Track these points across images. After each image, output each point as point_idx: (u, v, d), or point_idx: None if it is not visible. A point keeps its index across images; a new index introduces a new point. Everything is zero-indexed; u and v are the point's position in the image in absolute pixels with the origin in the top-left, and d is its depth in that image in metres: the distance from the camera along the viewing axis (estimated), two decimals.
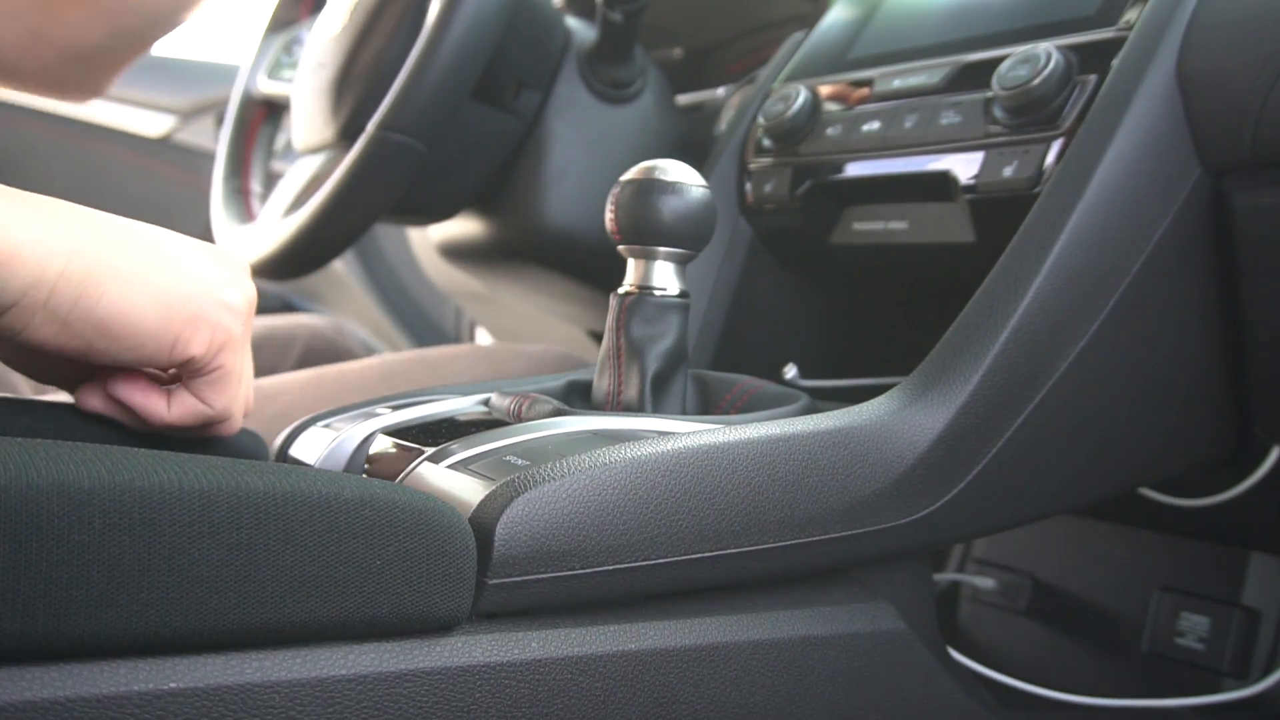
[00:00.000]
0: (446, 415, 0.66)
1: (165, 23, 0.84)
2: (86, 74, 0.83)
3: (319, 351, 1.20)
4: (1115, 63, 0.66)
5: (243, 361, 0.55)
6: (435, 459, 0.55)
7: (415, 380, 0.92)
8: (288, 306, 2.25)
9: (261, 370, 1.12)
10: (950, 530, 0.62)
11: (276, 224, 0.97)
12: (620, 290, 0.65)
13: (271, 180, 1.17)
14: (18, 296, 0.46)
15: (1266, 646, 0.83)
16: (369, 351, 1.22)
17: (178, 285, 0.51)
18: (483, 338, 1.97)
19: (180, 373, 0.54)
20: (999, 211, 0.70)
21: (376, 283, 2.00)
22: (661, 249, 0.63)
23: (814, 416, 0.58)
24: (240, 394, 0.56)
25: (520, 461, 0.53)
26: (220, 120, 1.98)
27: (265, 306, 2.22)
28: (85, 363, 0.52)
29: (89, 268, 0.48)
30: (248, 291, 0.55)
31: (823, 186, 0.82)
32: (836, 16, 0.93)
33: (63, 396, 0.94)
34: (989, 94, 0.71)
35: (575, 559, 0.49)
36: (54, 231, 0.47)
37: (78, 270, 0.48)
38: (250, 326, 0.55)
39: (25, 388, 1.00)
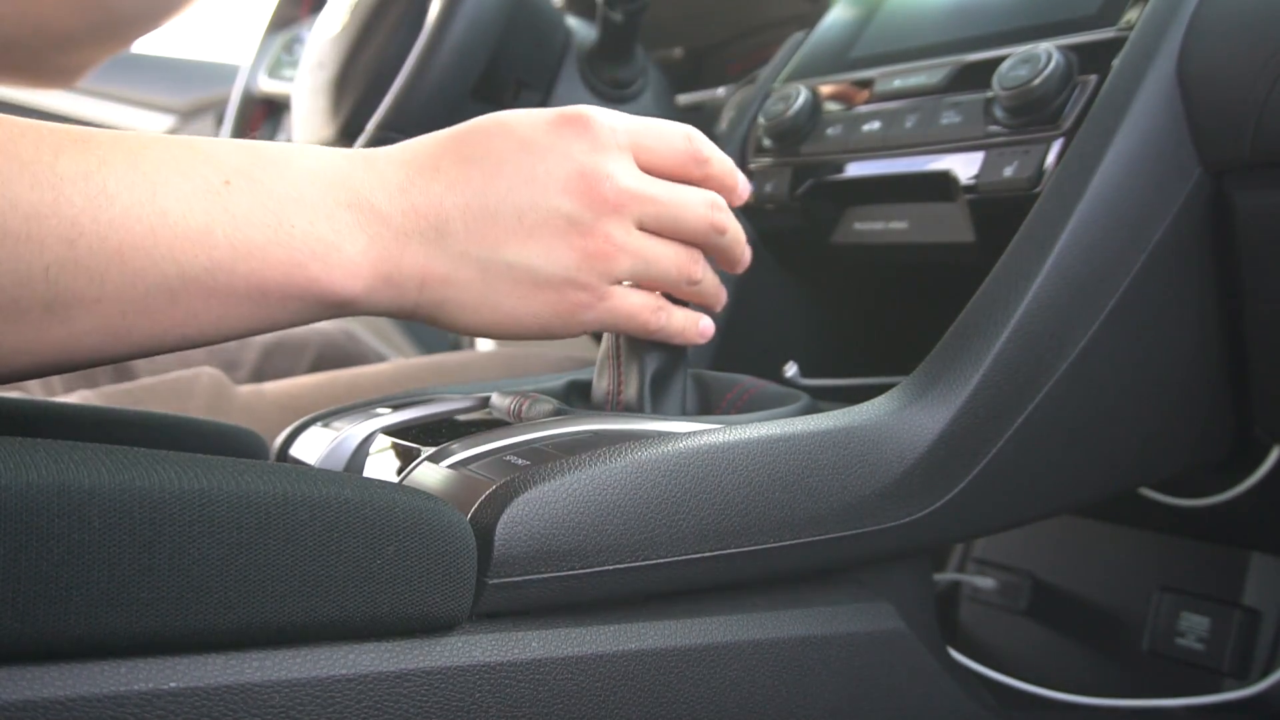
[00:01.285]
0: (446, 415, 0.66)
1: (154, 15, 0.84)
2: (67, 60, 0.83)
3: (331, 359, 1.21)
4: (1115, 63, 0.66)
5: (627, 306, 0.56)
6: (435, 459, 0.55)
7: (427, 386, 0.92)
8: None
9: (274, 376, 1.12)
10: (950, 530, 0.62)
11: None
12: None
13: None
14: (380, 315, 0.51)
15: (1266, 647, 0.83)
16: (381, 359, 1.22)
17: (524, 305, 0.53)
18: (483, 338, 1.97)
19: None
20: (999, 211, 0.70)
21: None
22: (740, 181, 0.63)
23: (814, 416, 0.58)
24: (649, 318, 0.57)
25: (520, 461, 0.53)
26: (220, 120, 1.98)
27: None
28: None
29: (440, 296, 0.52)
30: (601, 263, 0.53)
31: (823, 186, 0.82)
32: (837, 16, 0.93)
33: (68, 396, 0.94)
34: (989, 94, 0.71)
35: (575, 559, 0.49)
36: (406, 262, 0.50)
37: (429, 301, 0.52)
38: (640, 257, 0.55)
39: (35, 388, 1.00)
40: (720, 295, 0.62)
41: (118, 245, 0.43)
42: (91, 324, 0.43)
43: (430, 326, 0.56)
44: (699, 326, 0.60)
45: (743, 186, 0.61)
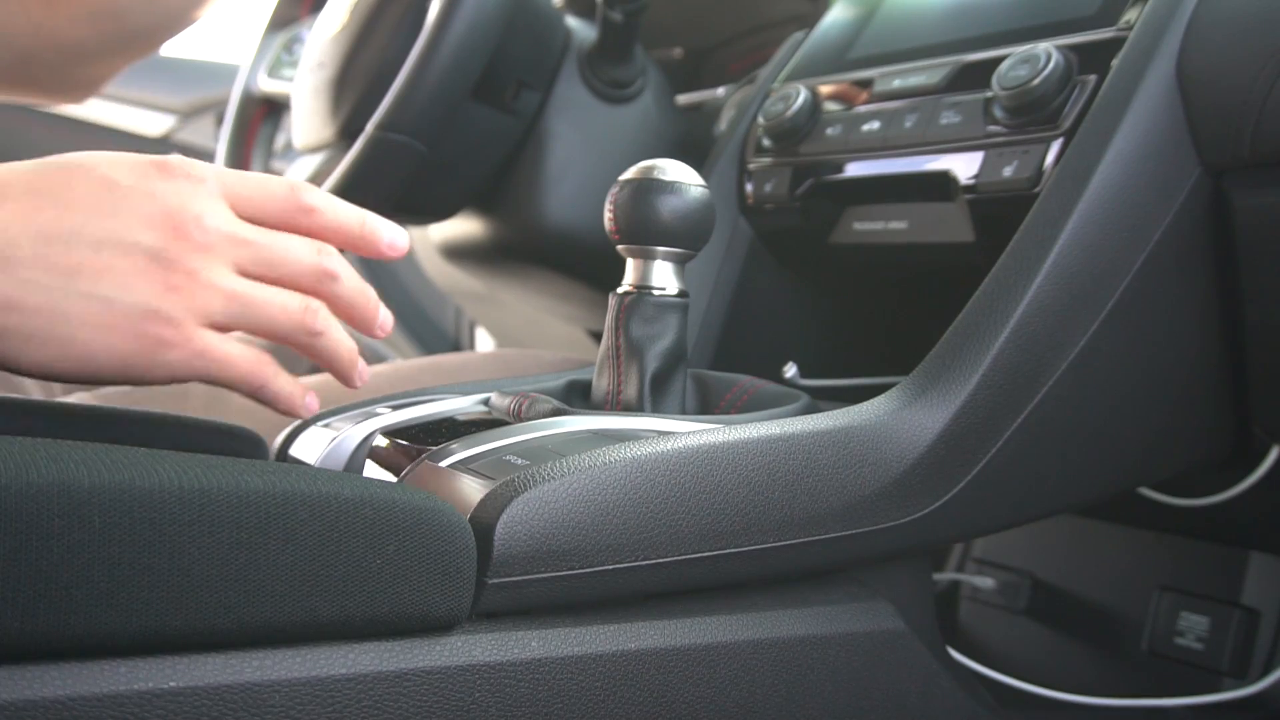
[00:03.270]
0: (446, 415, 0.66)
1: (170, 25, 0.84)
2: (84, 73, 0.83)
3: None
4: (1115, 63, 0.66)
5: (225, 356, 0.50)
6: (435, 459, 0.55)
7: (426, 387, 0.91)
8: None
9: None
10: (950, 530, 0.62)
11: None
12: (619, 290, 0.65)
13: None
14: None
15: (1266, 646, 0.83)
16: (379, 359, 1.22)
17: (100, 339, 0.48)
18: (483, 338, 1.97)
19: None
20: (999, 211, 0.70)
21: (376, 283, 1.98)
22: (660, 249, 0.63)
23: (813, 416, 0.58)
24: (250, 371, 0.51)
25: (520, 461, 0.53)
26: (220, 120, 1.98)
27: None
28: None
29: (3, 323, 0.46)
30: (184, 303, 0.49)
31: (823, 186, 0.82)
32: (836, 16, 0.93)
33: (67, 397, 0.94)
34: (989, 94, 0.71)
35: (575, 558, 0.49)
36: None
37: None
38: (226, 293, 0.50)
39: (33, 388, 1.00)
40: (350, 358, 0.56)
41: None
42: None
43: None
44: (304, 399, 0.55)
45: (368, 228, 0.57)
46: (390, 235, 0.57)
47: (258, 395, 0.53)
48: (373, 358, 1.25)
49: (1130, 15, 0.68)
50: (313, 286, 0.54)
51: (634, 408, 0.63)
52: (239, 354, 0.51)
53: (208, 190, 0.51)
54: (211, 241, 0.50)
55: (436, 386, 0.73)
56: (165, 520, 0.38)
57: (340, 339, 0.55)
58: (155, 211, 0.49)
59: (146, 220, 0.49)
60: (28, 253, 0.47)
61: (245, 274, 0.51)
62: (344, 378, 0.56)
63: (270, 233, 0.52)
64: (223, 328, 0.51)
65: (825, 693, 0.57)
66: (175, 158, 0.51)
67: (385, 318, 0.57)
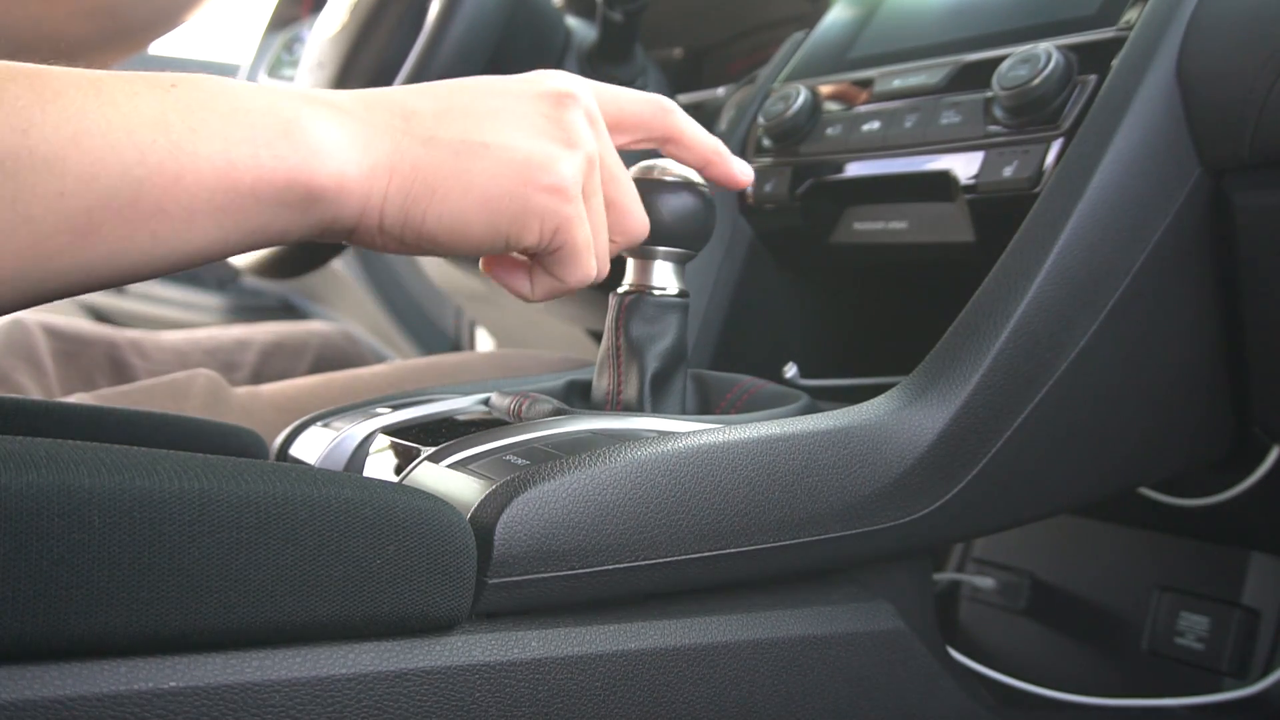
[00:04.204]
0: (446, 415, 0.66)
1: (165, 21, 0.84)
2: (80, 67, 0.83)
3: (330, 360, 1.21)
4: (1115, 63, 0.66)
5: (584, 235, 0.54)
6: (435, 459, 0.55)
7: (426, 387, 0.92)
8: (288, 307, 2.25)
9: (273, 378, 1.12)
10: (950, 530, 0.62)
11: None
12: (620, 290, 0.65)
13: None
14: (355, 220, 0.49)
15: (1266, 646, 0.83)
16: (380, 359, 1.22)
17: (496, 184, 0.51)
18: (483, 338, 1.97)
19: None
20: (999, 211, 0.70)
21: (376, 283, 2.00)
22: (661, 249, 0.63)
23: (814, 416, 0.58)
24: (590, 263, 0.55)
25: (520, 461, 0.53)
26: None
27: (265, 307, 2.22)
28: None
29: (409, 185, 0.49)
30: (576, 159, 0.52)
31: (823, 186, 0.82)
32: (836, 16, 0.93)
33: (67, 398, 0.94)
34: (989, 94, 0.71)
35: (575, 558, 0.49)
36: (373, 148, 0.49)
37: (398, 191, 0.49)
38: (594, 183, 0.54)
39: (33, 388, 1.00)
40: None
41: (73, 133, 0.41)
42: (56, 222, 0.42)
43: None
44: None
45: (721, 148, 0.62)
46: (740, 167, 0.63)
47: (581, 281, 0.55)
48: (373, 358, 1.25)
49: (1130, 15, 0.68)
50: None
51: (634, 408, 0.63)
52: (585, 254, 0.54)
53: (583, 92, 0.55)
54: (595, 122, 0.55)
55: (436, 386, 0.73)
56: (165, 520, 0.38)
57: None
58: (545, 90, 0.54)
59: (538, 93, 0.54)
60: (428, 116, 0.51)
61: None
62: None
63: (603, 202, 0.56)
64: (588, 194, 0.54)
65: (825, 693, 0.57)
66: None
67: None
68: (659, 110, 0.59)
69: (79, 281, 0.44)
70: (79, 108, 0.42)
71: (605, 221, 0.56)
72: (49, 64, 0.44)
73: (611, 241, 0.58)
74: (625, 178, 0.57)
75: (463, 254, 0.53)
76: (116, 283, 0.46)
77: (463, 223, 0.51)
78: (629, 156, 0.68)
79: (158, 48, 0.88)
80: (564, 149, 0.52)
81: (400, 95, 0.52)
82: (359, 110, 0.50)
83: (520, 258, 0.56)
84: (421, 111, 0.51)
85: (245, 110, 0.46)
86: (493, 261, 0.57)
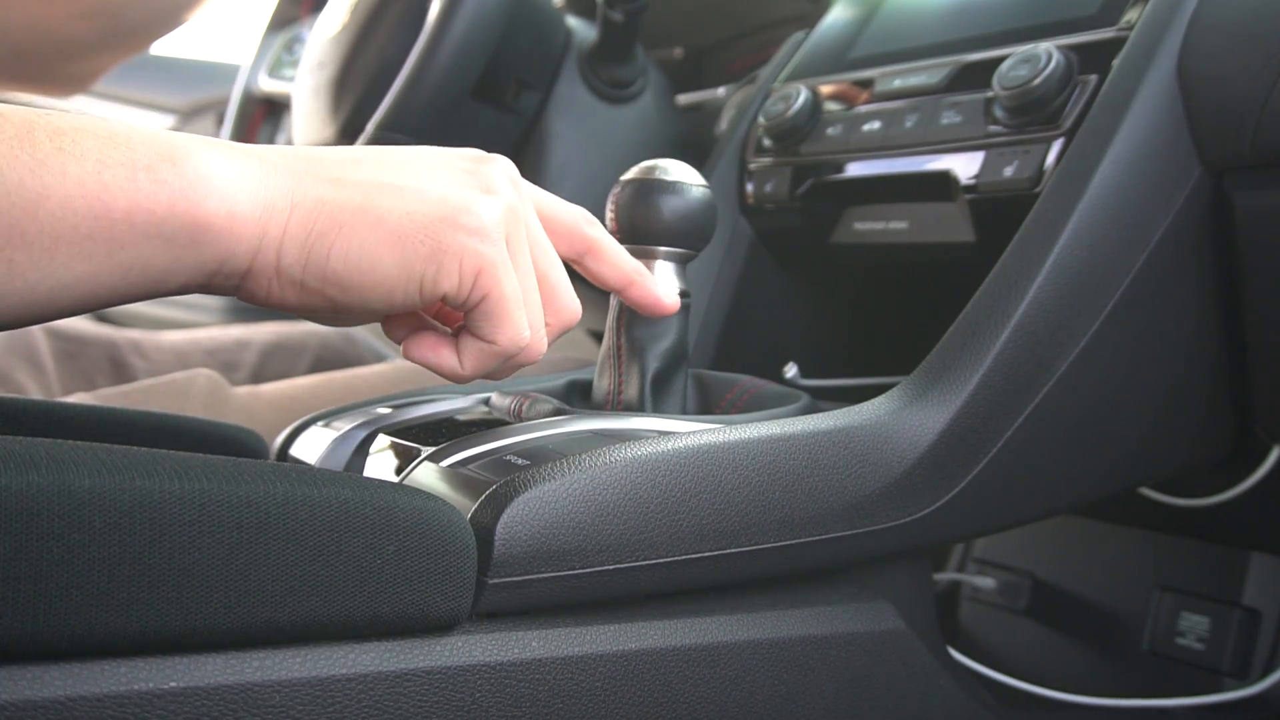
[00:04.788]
0: (446, 415, 0.66)
1: (164, 22, 0.84)
2: (78, 68, 0.83)
3: (329, 360, 1.21)
4: (1116, 63, 0.66)
5: (511, 284, 0.48)
6: (435, 459, 0.55)
7: (425, 387, 0.92)
8: None
9: (273, 378, 1.12)
10: (950, 530, 0.62)
11: None
12: None
13: None
14: (248, 261, 0.44)
15: (1266, 646, 0.83)
16: (379, 359, 1.22)
17: (409, 220, 0.46)
18: None
19: (451, 313, 0.51)
20: (999, 211, 0.70)
21: None
22: (662, 249, 0.63)
23: (814, 416, 0.58)
24: (521, 319, 0.49)
25: (520, 461, 0.53)
26: (220, 120, 1.98)
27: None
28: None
29: (312, 221, 0.45)
30: (497, 204, 0.48)
31: (823, 186, 0.82)
32: (837, 16, 0.93)
33: (67, 398, 0.94)
34: (989, 94, 0.71)
35: (575, 558, 0.49)
36: (270, 184, 0.44)
37: (299, 226, 0.44)
38: (519, 236, 0.49)
39: (33, 388, 1.00)
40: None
41: None
42: None
43: (284, 308, 0.48)
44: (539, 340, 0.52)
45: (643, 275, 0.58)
46: (665, 291, 0.59)
47: (502, 367, 0.51)
48: (372, 357, 1.25)
49: (1131, 15, 0.68)
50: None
51: (635, 408, 0.63)
52: (513, 322, 0.49)
53: (507, 162, 0.52)
54: (517, 184, 0.51)
55: (436, 387, 0.73)
56: (165, 520, 0.38)
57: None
58: (466, 152, 0.51)
59: (458, 153, 0.51)
60: (332, 161, 0.47)
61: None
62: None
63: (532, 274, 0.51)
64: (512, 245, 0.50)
65: (825, 693, 0.57)
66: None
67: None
68: (584, 220, 0.55)
69: None
70: None
71: (537, 288, 0.51)
72: (51, 66, 0.43)
73: (546, 325, 0.52)
74: (554, 254, 0.52)
75: (372, 303, 0.46)
76: None
77: (372, 260, 0.45)
78: (638, 156, 0.67)
79: (158, 48, 0.88)
80: (482, 194, 0.48)
81: (303, 148, 0.48)
82: (255, 151, 0.45)
83: (443, 332, 0.52)
84: (326, 158, 0.47)
85: (124, 136, 0.41)
86: (414, 343, 0.51)
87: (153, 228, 0.41)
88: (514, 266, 0.49)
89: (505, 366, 0.51)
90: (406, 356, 0.51)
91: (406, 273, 0.46)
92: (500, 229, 0.48)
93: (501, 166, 0.51)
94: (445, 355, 0.51)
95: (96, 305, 0.43)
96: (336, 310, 0.47)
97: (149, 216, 0.41)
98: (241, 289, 0.45)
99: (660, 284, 0.59)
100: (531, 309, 0.50)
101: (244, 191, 0.43)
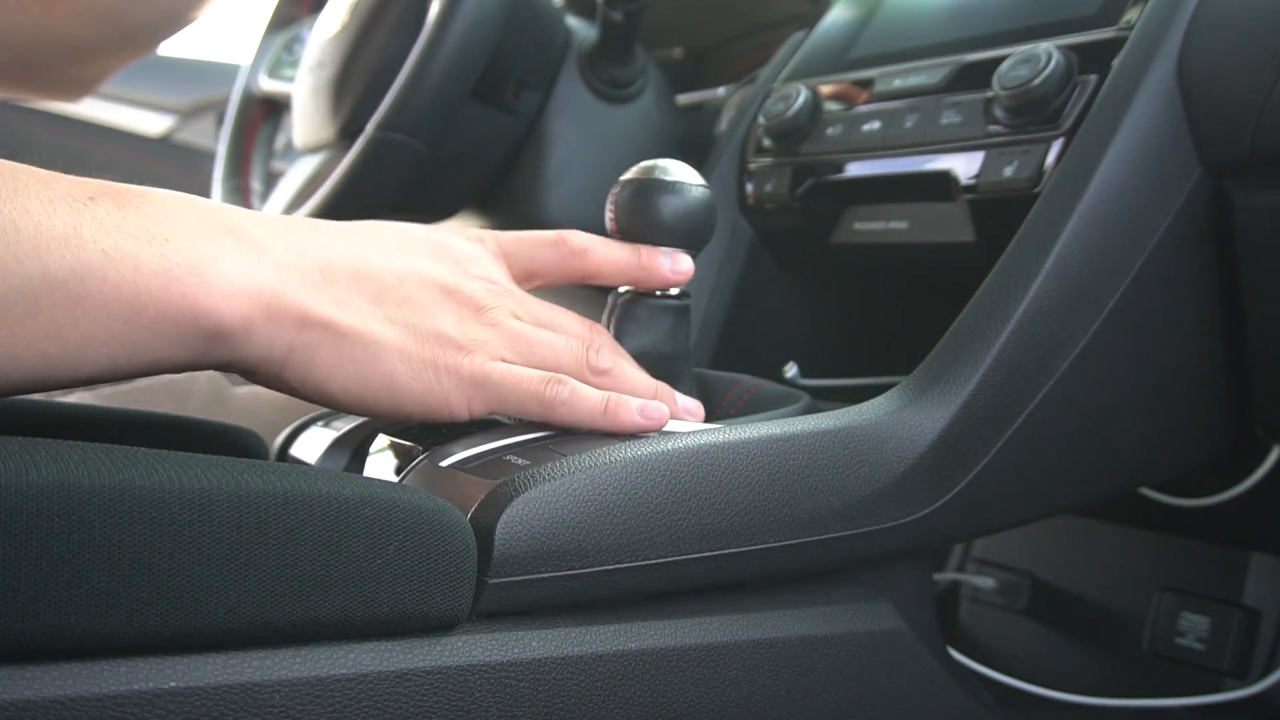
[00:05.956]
0: None
1: (169, 24, 0.84)
2: (82, 71, 0.83)
3: None
4: (1116, 63, 0.66)
5: (497, 368, 0.52)
6: (435, 459, 0.55)
7: None
8: None
9: None
10: (950, 530, 0.62)
11: None
12: (619, 290, 0.65)
13: (272, 179, 1.17)
14: (255, 365, 0.48)
15: (1266, 646, 0.83)
16: None
17: (405, 363, 0.50)
18: None
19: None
20: (999, 211, 0.70)
21: None
22: (662, 249, 0.63)
23: (814, 416, 0.58)
24: (530, 375, 0.52)
25: (521, 461, 0.53)
26: (220, 119, 1.98)
27: None
28: None
29: (316, 345, 0.48)
30: (485, 329, 0.52)
31: (823, 186, 0.82)
32: (837, 16, 0.93)
33: (66, 398, 0.94)
34: (989, 94, 0.71)
35: (575, 558, 0.49)
36: (284, 293, 0.47)
37: (304, 348, 0.48)
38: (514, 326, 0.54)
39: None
40: (646, 391, 0.57)
41: None
42: None
43: (287, 393, 0.51)
44: (634, 410, 0.54)
45: (645, 259, 0.60)
46: (672, 263, 0.60)
47: (557, 415, 0.53)
48: None
49: (1131, 15, 0.68)
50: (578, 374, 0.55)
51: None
52: (525, 374, 0.53)
53: (487, 248, 0.57)
54: (495, 286, 0.55)
55: None
56: (166, 520, 0.38)
57: (634, 374, 0.58)
58: (445, 255, 0.54)
59: (439, 259, 0.54)
60: (343, 274, 0.50)
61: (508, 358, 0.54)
62: (641, 424, 0.55)
63: (537, 330, 0.55)
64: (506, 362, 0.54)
65: (825, 693, 0.57)
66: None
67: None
68: (566, 253, 0.58)
69: None
70: None
71: (565, 347, 0.55)
72: (55, 69, 0.44)
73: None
74: (557, 316, 0.57)
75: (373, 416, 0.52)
76: None
77: (366, 393, 0.50)
78: (638, 156, 0.67)
79: (163, 49, 0.88)
80: (460, 324, 0.52)
81: (321, 242, 0.51)
82: (279, 251, 0.48)
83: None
84: (337, 266, 0.50)
85: (163, 239, 0.44)
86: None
87: (175, 334, 0.45)
88: (525, 350, 0.54)
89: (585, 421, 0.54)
90: None
91: (396, 407, 0.51)
92: (484, 352, 0.52)
93: (479, 264, 0.55)
94: None
95: (108, 383, 0.46)
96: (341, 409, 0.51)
97: (173, 326, 0.44)
98: (250, 378, 0.49)
99: (661, 257, 0.60)
100: (568, 361, 0.54)
101: (260, 301, 0.47)
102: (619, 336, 0.63)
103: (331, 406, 0.51)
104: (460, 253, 0.55)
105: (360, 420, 0.64)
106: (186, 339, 0.45)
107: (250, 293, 0.46)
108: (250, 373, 0.49)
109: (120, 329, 0.43)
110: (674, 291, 0.64)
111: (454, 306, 0.52)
